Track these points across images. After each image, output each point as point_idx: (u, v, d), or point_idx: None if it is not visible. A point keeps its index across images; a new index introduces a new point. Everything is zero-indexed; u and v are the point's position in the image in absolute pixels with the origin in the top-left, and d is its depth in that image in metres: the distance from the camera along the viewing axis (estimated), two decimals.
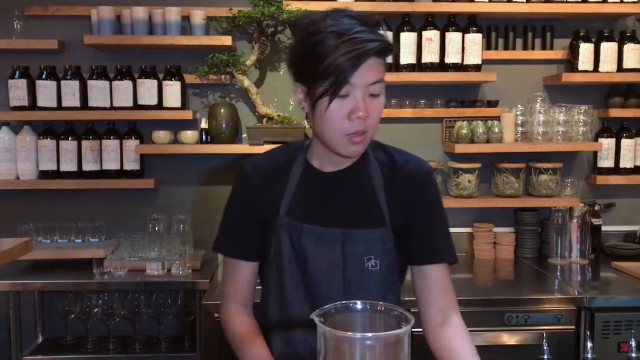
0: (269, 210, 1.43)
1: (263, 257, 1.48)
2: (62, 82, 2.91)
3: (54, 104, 2.91)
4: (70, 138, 2.96)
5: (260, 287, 1.54)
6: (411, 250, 1.46)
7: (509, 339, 2.44)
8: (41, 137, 2.95)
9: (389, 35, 2.94)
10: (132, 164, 2.98)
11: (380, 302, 1.00)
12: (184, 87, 2.98)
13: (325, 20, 1.27)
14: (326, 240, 1.40)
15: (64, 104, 2.91)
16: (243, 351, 1.41)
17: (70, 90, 2.91)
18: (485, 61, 3.01)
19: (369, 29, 1.26)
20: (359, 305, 0.99)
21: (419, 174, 1.46)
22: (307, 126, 2.98)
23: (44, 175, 2.97)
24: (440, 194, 1.51)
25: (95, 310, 2.82)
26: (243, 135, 3.07)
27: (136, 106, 2.93)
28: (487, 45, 3.11)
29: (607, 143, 3.11)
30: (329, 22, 1.26)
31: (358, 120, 1.28)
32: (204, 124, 3.00)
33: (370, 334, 0.89)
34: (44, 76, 2.91)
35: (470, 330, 2.37)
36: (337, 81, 1.25)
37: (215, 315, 2.42)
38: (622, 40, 3.03)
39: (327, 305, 0.97)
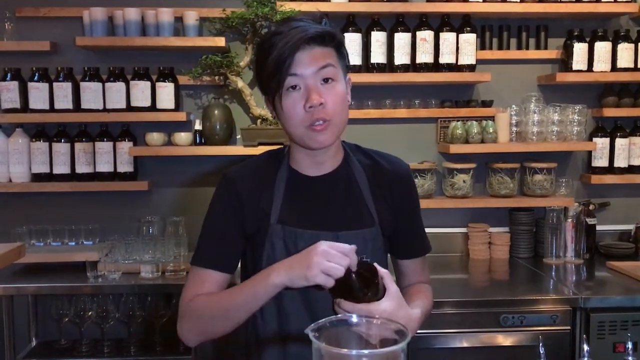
0: (259, 219, 1.42)
1: (250, 268, 1.45)
2: (55, 84, 2.89)
3: (46, 106, 2.89)
4: (63, 140, 2.94)
5: None
6: (396, 246, 1.54)
7: (504, 340, 2.44)
8: (33, 140, 2.93)
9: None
10: (125, 166, 2.96)
11: (377, 315, 1.00)
12: (178, 89, 2.96)
13: (271, 32, 1.36)
14: None
15: (57, 106, 2.89)
16: (239, 288, 1.33)
17: (63, 92, 2.88)
18: (479, 61, 3.00)
19: (308, 23, 1.32)
20: (354, 318, 0.98)
21: (401, 174, 1.52)
22: None
23: (37, 178, 2.95)
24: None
25: (90, 313, 2.80)
26: (237, 137, 3.05)
27: (129, 108, 2.91)
28: (482, 45, 3.10)
29: (602, 142, 3.11)
30: (273, 29, 1.35)
31: (315, 110, 1.31)
32: (197, 126, 2.98)
33: (366, 351, 0.88)
34: (35, 78, 2.88)
35: (465, 331, 2.43)
36: (280, 73, 1.30)
37: None
38: (616, 39, 3.03)
39: (322, 320, 0.96)
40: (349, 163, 1.48)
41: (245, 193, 1.43)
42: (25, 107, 2.91)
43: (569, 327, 2.45)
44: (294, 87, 1.32)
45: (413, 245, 1.57)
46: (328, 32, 1.33)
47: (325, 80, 1.33)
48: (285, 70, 1.30)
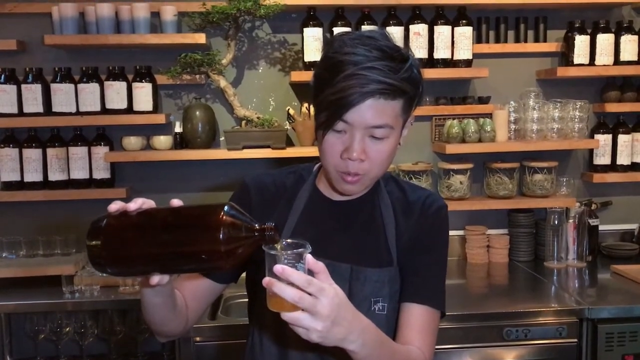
0: None
1: (256, 293, 1.35)
2: (23, 85, 2.70)
3: (14, 110, 2.70)
4: (34, 146, 2.76)
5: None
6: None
7: (508, 354, 2.31)
8: (2, 146, 2.74)
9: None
10: (101, 173, 2.79)
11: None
12: (156, 89, 2.78)
13: (346, 44, 1.16)
14: (332, 276, 1.24)
15: (26, 109, 2.70)
16: None
17: (32, 95, 2.70)
18: (475, 55, 2.84)
19: (384, 65, 1.13)
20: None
21: (430, 209, 1.35)
22: (288, 128, 2.80)
23: (7, 186, 2.77)
24: (448, 237, 1.38)
25: (67, 329, 2.63)
26: (221, 139, 2.88)
27: (104, 110, 2.73)
28: (478, 39, 2.94)
29: (603, 139, 2.97)
30: (348, 49, 1.15)
31: (351, 162, 1.18)
32: (178, 128, 2.81)
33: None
34: (2, 80, 2.68)
35: (467, 347, 2.28)
36: (330, 116, 1.15)
37: (197, 338, 2.26)
38: (618, 31, 2.88)
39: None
40: (378, 192, 1.35)
41: (258, 203, 1.34)
42: None
43: (575, 340, 2.32)
44: (339, 131, 1.18)
45: (414, 286, 1.31)
46: (401, 87, 1.15)
47: (376, 137, 1.19)
48: (340, 113, 1.15)
